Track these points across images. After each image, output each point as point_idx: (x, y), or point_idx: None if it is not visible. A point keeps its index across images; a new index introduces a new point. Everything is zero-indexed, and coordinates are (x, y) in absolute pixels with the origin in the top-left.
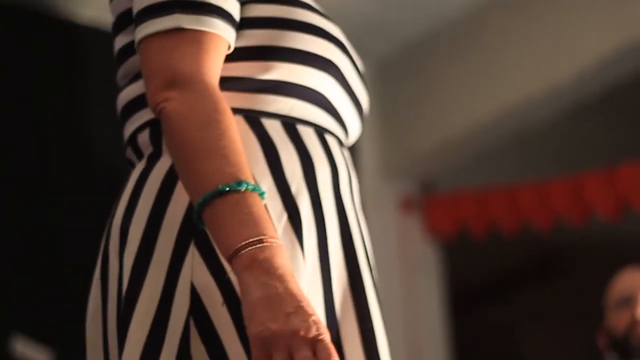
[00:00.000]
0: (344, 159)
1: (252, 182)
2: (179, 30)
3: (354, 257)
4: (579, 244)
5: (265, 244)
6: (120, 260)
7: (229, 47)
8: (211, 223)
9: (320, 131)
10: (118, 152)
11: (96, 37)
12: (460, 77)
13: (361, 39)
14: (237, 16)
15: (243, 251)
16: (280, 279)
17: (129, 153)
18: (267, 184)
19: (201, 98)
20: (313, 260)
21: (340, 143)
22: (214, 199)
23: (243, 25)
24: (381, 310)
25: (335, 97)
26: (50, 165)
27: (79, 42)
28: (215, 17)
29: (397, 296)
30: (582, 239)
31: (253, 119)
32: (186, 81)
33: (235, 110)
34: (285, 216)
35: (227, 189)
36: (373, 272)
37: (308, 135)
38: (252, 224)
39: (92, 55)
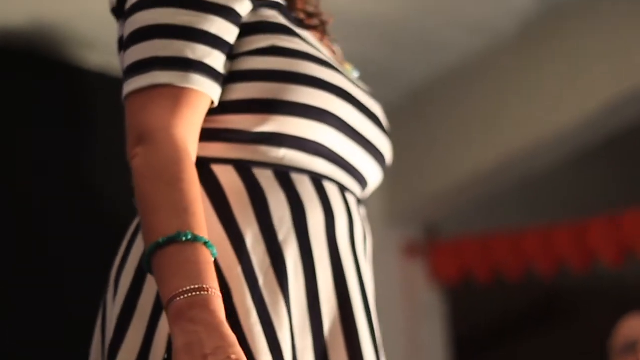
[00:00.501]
0: (345, 204)
1: (200, 234)
2: (156, 87)
3: (348, 303)
4: (583, 289)
5: (194, 294)
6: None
7: (213, 102)
8: (155, 274)
9: (318, 178)
10: (125, 199)
11: (103, 83)
12: (464, 122)
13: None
14: (221, 69)
15: (173, 302)
16: (205, 324)
17: (134, 202)
18: (252, 231)
19: (160, 153)
20: (301, 308)
21: (343, 189)
22: (156, 251)
23: (237, 77)
24: (385, 355)
25: (338, 145)
26: (55, 213)
27: (86, 88)
28: (194, 73)
29: (402, 341)
30: (585, 284)
31: (243, 168)
32: (151, 137)
33: (227, 161)
34: (268, 263)
35: (163, 240)
36: (373, 317)
37: (301, 182)
38: (184, 275)
39: (98, 100)
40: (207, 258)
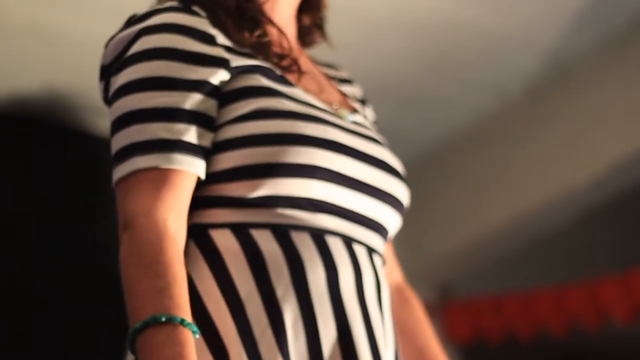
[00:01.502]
0: (351, 257)
1: (179, 314)
2: (139, 172)
3: (355, 358)
4: (596, 347)
5: None
6: None
7: (199, 178)
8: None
9: (319, 233)
10: None
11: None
12: (474, 182)
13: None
14: (202, 143)
15: None
16: None
17: None
18: (248, 288)
19: (139, 238)
20: None
21: (350, 241)
22: (136, 336)
23: (224, 146)
24: None
25: (336, 197)
26: (68, 279)
27: (96, 154)
28: (173, 153)
29: None
30: (598, 343)
31: (241, 230)
32: (132, 223)
33: (224, 225)
34: (265, 321)
35: (139, 325)
36: None
37: (300, 239)
38: (160, 357)
39: (108, 166)
40: (184, 338)
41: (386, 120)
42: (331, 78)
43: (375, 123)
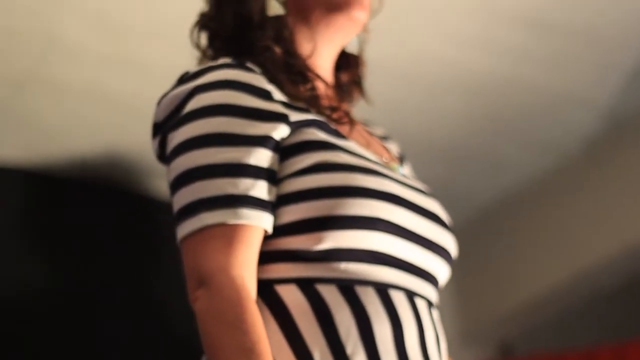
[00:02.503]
0: (414, 311)
1: None
2: (207, 228)
3: None
4: None
5: None
6: None
7: (266, 232)
8: None
9: (383, 288)
10: (192, 327)
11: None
12: (533, 241)
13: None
14: (267, 197)
15: None
16: None
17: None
18: (320, 347)
19: (221, 295)
20: None
21: (412, 294)
22: None
23: (286, 200)
24: None
25: (397, 250)
26: (122, 340)
27: (157, 216)
28: (241, 208)
29: None
30: None
31: (307, 285)
32: (210, 280)
33: (290, 280)
34: None
35: None
36: None
37: (366, 294)
38: None
39: (168, 229)
40: None
41: (444, 180)
42: (370, 134)
43: (427, 181)
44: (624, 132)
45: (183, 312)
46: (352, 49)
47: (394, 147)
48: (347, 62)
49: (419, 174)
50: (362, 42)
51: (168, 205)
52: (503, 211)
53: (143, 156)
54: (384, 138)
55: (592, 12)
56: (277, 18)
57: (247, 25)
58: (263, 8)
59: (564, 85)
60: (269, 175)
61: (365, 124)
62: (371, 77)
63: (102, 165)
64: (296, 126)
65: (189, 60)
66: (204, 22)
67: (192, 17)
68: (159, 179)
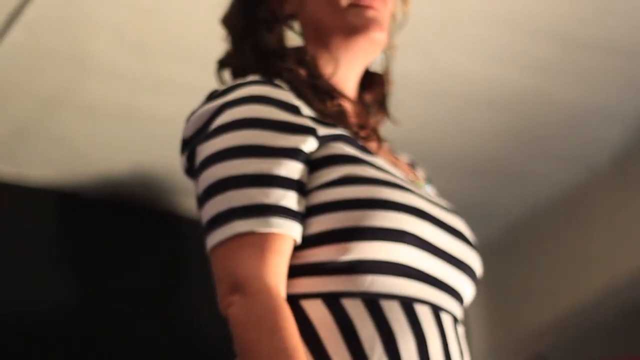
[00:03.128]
0: (439, 326)
1: None
2: (239, 236)
3: None
4: None
5: None
6: None
7: (295, 241)
8: None
9: (408, 302)
10: (222, 344)
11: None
12: (563, 254)
13: (463, 220)
14: (297, 208)
15: None
16: None
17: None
18: None
19: (258, 302)
20: None
21: (437, 309)
22: None
23: (313, 211)
24: None
25: (422, 263)
26: (155, 347)
27: (183, 234)
28: (272, 217)
29: None
30: None
31: (332, 300)
32: (245, 286)
33: (315, 295)
34: None
35: None
36: None
37: (391, 309)
38: None
39: (195, 246)
40: None
41: (472, 195)
42: (396, 159)
43: (453, 196)
44: None
45: (211, 328)
46: (377, 66)
47: (420, 172)
48: (371, 82)
49: (445, 189)
50: (386, 60)
51: (195, 223)
52: (531, 226)
53: (171, 175)
54: (410, 165)
55: (615, 24)
56: (297, 48)
57: (267, 57)
58: (281, 39)
59: (590, 99)
60: (299, 186)
61: (392, 150)
62: (396, 92)
63: (131, 184)
64: (324, 140)
65: (218, 82)
66: (225, 60)
67: (218, 36)
68: (186, 197)
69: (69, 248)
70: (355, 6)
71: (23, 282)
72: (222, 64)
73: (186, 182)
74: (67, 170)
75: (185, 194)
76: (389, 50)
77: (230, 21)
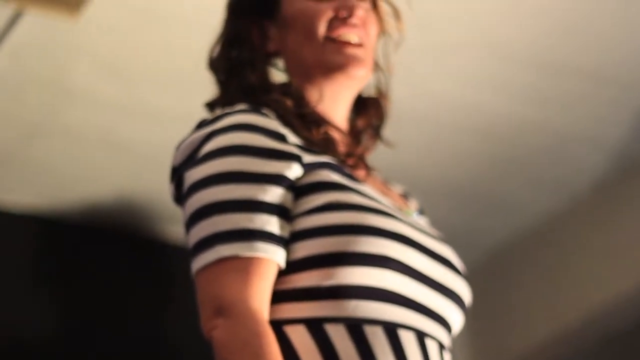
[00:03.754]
0: (423, 352)
1: None
2: (223, 260)
3: None
4: None
5: None
6: None
7: (279, 266)
8: None
9: (391, 327)
10: None
11: (184, 255)
12: (543, 281)
13: (452, 249)
14: (281, 233)
15: None
16: None
17: None
18: None
19: (242, 326)
20: None
21: (422, 335)
22: None
23: (297, 237)
24: None
25: (407, 289)
26: None
27: (168, 261)
28: (257, 242)
29: None
30: None
31: (315, 326)
32: (229, 309)
33: (298, 321)
34: None
35: None
36: None
37: (374, 334)
38: None
39: (180, 273)
40: None
41: (454, 221)
42: (388, 188)
43: (437, 222)
44: (634, 171)
45: (195, 353)
46: (371, 88)
47: (413, 203)
48: (365, 106)
49: (428, 215)
50: (383, 81)
51: (179, 250)
52: (513, 252)
53: (154, 201)
54: (403, 195)
55: (601, 53)
56: (282, 83)
57: (252, 93)
58: (265, 76)
59: (574, 125)
60: (283, 212)
61: (384, 180)
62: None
63: (114, 211)
64: (310, 167)
65: (200, 108)
66: (213, 102)
67: (200, 63)
68: (170, 224)
69: (52, 274)
70: (332, 41)
71: (5, 308)
72: (211, 106)
73: (170, 209)
74: (50, 196)
75: (169, 221)
76: (386, 73)
77: (215, 64)
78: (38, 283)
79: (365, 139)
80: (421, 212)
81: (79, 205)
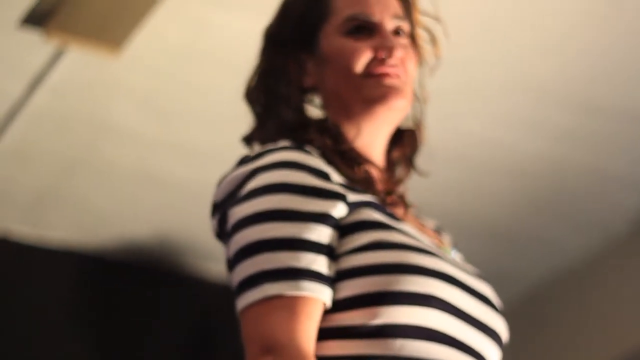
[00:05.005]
0: None
1: None
2: (269, 299)
3: None
4: None
5: None
6: None
7: (325, 305)
8: None
9: None
10: None
11: (225, 293)
12: (582, 321)
13: (489, 285)
14: (327, 272)
15: None
16: None
17: None
18: None
19: None
20: None
21: None
22: None
23: (342, 276)
24: None
25: (450, 328)
26: None
27: (208, 299)
28: (303, 280)
29: None
30: None
31: None
32: (278, 348)
33: (345, 358)
34: None
35: None
36: None
37: None
38: None
39: (220, 311)
40: None
41: (490, 260)
42: (422, 225)
43: (473, 262)
44: None
45: None
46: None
47: (446, 238)
48: (401, 139)
49: (463, 253)
50: (416, 113)
51: (218, 286)
52: (549, 292)
53: (192, 237)
54: (436, 231)
55: (638, 93)
56: (318, 120)
57: (289, 130)
58: (301, 112)
59: (610, 166)
60: (329, 251)
61: (418, 215)
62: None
63: (151, 247)
64: (354, 206)
65: (237, 145)
66: (250, 136)
67: (237, 101)
68: (208, 261)
69: (90, 311)
70: (371, 76)
71: (43, 344)
72: (248, 140)
73: (208, 246)
74: (88, 232)
75: (207, 258)
76: (421, 101)
77: (251, 96)
78: (76, 319)
79: (399, 170)
80: (455, 246)
81: (116, 241)
